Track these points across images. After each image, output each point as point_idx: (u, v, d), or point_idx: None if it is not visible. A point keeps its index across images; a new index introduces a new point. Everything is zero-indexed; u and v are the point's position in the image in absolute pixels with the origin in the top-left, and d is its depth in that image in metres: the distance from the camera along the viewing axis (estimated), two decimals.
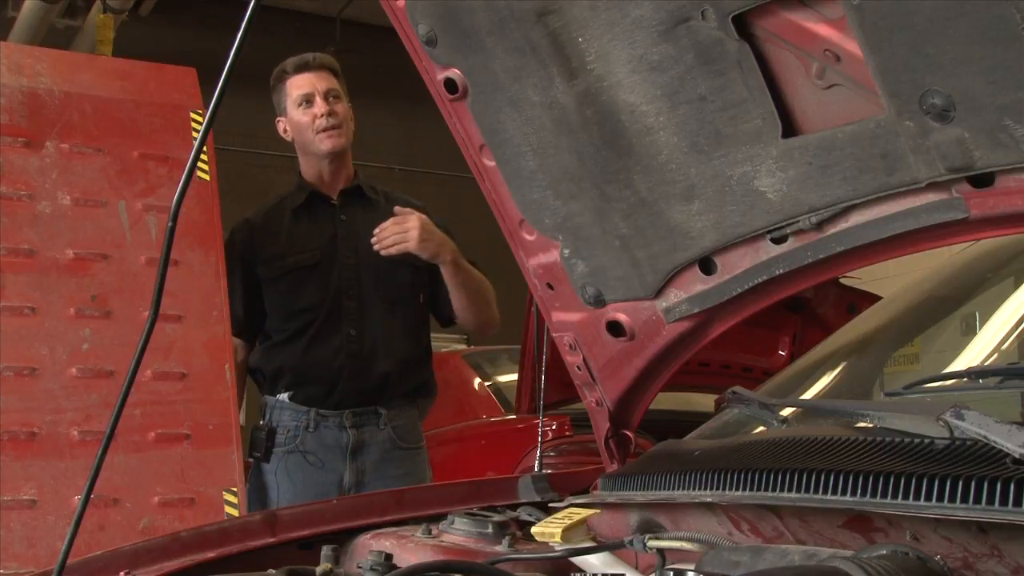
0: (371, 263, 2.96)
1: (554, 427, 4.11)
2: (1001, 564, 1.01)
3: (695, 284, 1.50)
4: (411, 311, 3.04)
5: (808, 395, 1.91)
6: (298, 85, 2.97)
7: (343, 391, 2.90)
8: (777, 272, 1.39)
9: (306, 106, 2.95)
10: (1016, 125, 1.02)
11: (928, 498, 1.04)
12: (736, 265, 1.44)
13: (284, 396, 2.92)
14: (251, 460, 2.93)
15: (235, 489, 2.58)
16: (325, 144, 2.95)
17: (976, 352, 1.90)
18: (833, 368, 2.08)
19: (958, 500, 1.01)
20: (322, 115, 2.93)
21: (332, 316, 2.92)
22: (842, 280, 3.71)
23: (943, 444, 1.12)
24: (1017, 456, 1.03)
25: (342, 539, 1.67)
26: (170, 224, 1.22)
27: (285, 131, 3.05)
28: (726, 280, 1.46)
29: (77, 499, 2.35)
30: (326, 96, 2.96)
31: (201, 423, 2.62)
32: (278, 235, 2.99)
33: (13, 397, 2.47)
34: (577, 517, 1.44)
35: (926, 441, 1.14)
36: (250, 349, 3.04)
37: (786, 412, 1.65)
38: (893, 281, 2.92)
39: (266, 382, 2.98)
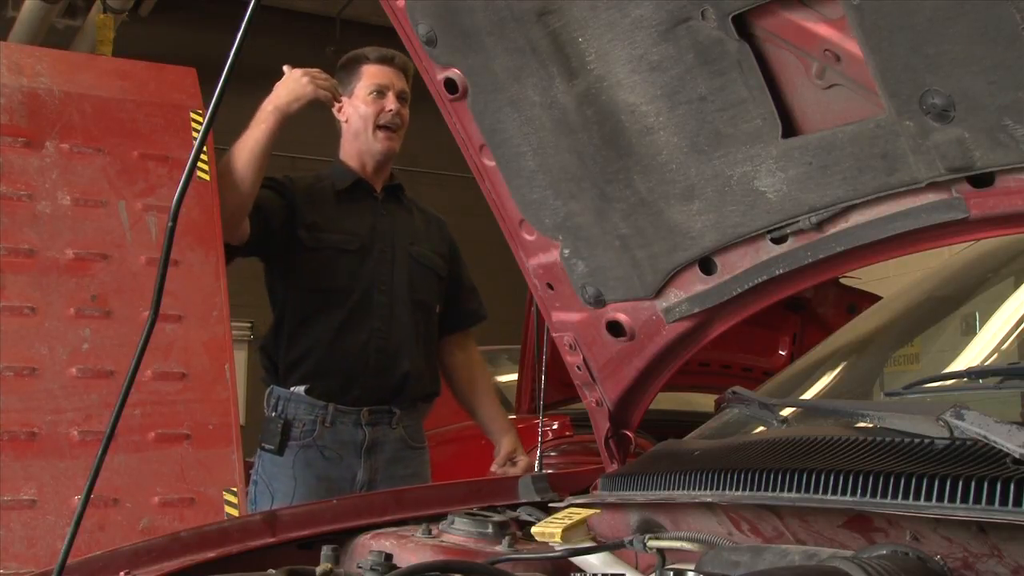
0: (404, 264, 2.99)
1: (554, 427, 4.11)
2: (1001, 564, 1.01)
3: (695, 284, 1.50)
4: (431, 318, 3.07)
5: (808, 395, 1.91)
6: (376, 74, 3.00)
7: (363, 386, 2.88)
8: (777, 272, 1.39)
9: (377, 96, 2.98)
10: (1016, 125, 1.02)
11: (928, 498, 1.04)
12: (736, 265, 1.44)
13: (300, 389, 2.90)
14: (261, 449, 2.91)
15: (235, 489, 2.57)
16: (381, 144, 2.99)
17: (976, 352, 1.90)
18: (833, 368, 2.09)
19: (958, 500, 1.01)
20: (390, 111, 2.97)
21: (362, 306, 2.91)
22: (842, 280, 3.72)
23: (943, 444, 1.12)
24: (1017, 456, 1.03)
25: (342, 539, 1.67)
26: (170, 224, 1.22)
27: (340, 110, 3.05)
28: (726, 280, 1.46)
29: (77, 499, 2.35)
30: (399, 95, 3.00)
31: (201, 423, 2.62)
32: (322, 208, 2.97)
33: (13, 397, 2.47)
34: (577, 517, 1.44)
35: (926, 441, 1.14)
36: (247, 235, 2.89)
37: (786, 412, 1.65)
38: (893, 281, 2.92)
39: (278, 372, 2.95)
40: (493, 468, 3.06)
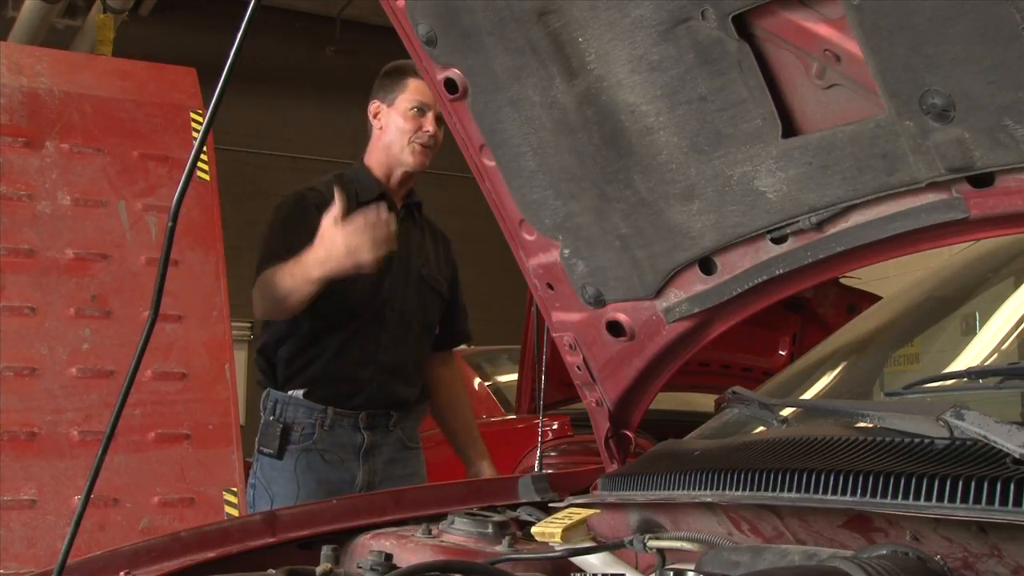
0: (416, 283, 2.99)
1: (554, 427, 4.11)
2: (1001, 564, 1.01)
3: (695, 284, 1.50)
4: (430, 338, 3.09)
5: (808, 395, 1.91)
6: (421, 91, 2.96)
7: (365, 397, 2.89)
8: (777, 272, 1.39)
9: (418, 113, 2.95)
10: (1016, 125, 1.02)
11: (928, 498, 1.04)
12: (736, 265, 1.44)
13: (298, 393, 2.89)
14: (260, 453, 2.91)
15: (235, 489, 2.57)
16: (415, 158, 2.96)
17: (976, 352, 1.90)
18: (833, 368, 2.08)
19: (958, 500, 1.01)
20: (427, 131, 2.94)
21: (372, 323, 2.90)
22: (842, 280, 3.71)
23: (943, 444, 1.12)
24: (1017, 456, 1.03)
25: (342, 539, 1.67)
26: (170, 224, 1.22)
27: (376, 115, 3.02)
28: (726, 280, 1.46)
29: (77, 499, 2.35)
30: (438, 118, 2.96)
31: (201, 423, 2.62)
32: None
33: (13, 397, 2.47)
34: (577, 517, 1.44)
35: (926, 441, 1.14)
36: None
37: (786, 412, 1.65)
38: (893, 281, 2.92)
39: (276, 376, 2.94)
40: None
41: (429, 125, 2.94)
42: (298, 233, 2.73)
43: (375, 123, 3.03)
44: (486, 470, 3.08)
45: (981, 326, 1.97)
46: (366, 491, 2.83)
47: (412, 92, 2.96)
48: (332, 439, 2.87)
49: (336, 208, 2.55)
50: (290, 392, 2.89)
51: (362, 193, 2.97)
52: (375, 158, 3.04)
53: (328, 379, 2.88)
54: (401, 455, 2.95)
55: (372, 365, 2.89)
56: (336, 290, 2.83)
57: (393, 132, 2.97)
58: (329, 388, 2.88)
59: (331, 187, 2.83)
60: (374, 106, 3.03)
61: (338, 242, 2.56)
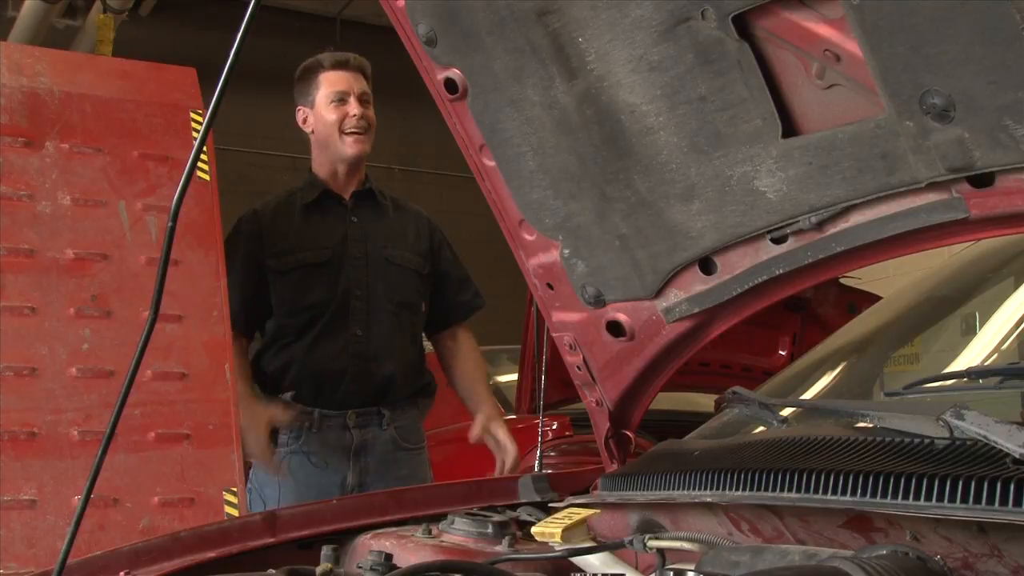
0: (379, 266, 2.99)
1: (554, 427, 4.11)
2: (1001, 564, 1.01)
3: (695, 284, 1.50)
4: (415, 316, 3.07)
5: (808, 395, 1.91)
6: (334, 81, 2.96)
7: (346, 391, 2.89)
8: (777, 272, 1.39)
9: (338, 103, 2.94)
10: (1016, 125, 1.02)
11: (928, 498, 1.04)
12: (736, 265, 1.44)
13: (287, 396, 2.92)
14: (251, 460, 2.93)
15: (235, 489, 2.57)
16: (351, 148, 2.96)
17: (976, 352, 1.90)
18: (833, 368, 2.09)
19: (958, 500, 1.01)
20: (354, 116, 2.93)
21: (339, 315, 2.92)
22: (842, 280, 3.72)
23: (943, 444, 1.12)
24: (1017, 456, 1.03)
25: (342, 539, 1.67)
26: (170, 224, 1.22)
27: (305, 121, 3.03)
28: (726, 280, 1.46)
29: (77, 499, 2.35)
30: (360, 98, 2.96)
31: (201, 423, 2.62)
32: (288, 230, 2.98)
33: (13, 397, 2.47)
34: (577, 517, 1.44)
35: (926, 441, 1.14)
36: (249, 342, 3.02)
37: (786, 412, 1.65)
38: (893, 281, 2.92)
39: (268, 382, 2.98)
40: (472, 436, 3.03)
41: (354, 109, 2.94)
42: (232, 261, 2.87)
43: (306, 128, 3.05)
44: (484, 420, 3.01)
45: (981, 326, 1.97)
46: (357, 492, 2.84)
47: (327, 85, 2.97)
48: (320, 441, 2.88)
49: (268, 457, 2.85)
50: (280, 396, 2.92)
51: (305, 197, 3.01)
52: (318, 161, 3.06)
53: (308, 378, 2.90)
54: (395, 456, 2.94)
55: (346, 356, 2.90)
56: (297, 294, 2.87)
57: (323, 129, 2.98)
58: (312, 388, 2.90)
59: (272, 209, 3.00)
60: (301, 114, 3.05)
61: (256, 450, 2.82)
